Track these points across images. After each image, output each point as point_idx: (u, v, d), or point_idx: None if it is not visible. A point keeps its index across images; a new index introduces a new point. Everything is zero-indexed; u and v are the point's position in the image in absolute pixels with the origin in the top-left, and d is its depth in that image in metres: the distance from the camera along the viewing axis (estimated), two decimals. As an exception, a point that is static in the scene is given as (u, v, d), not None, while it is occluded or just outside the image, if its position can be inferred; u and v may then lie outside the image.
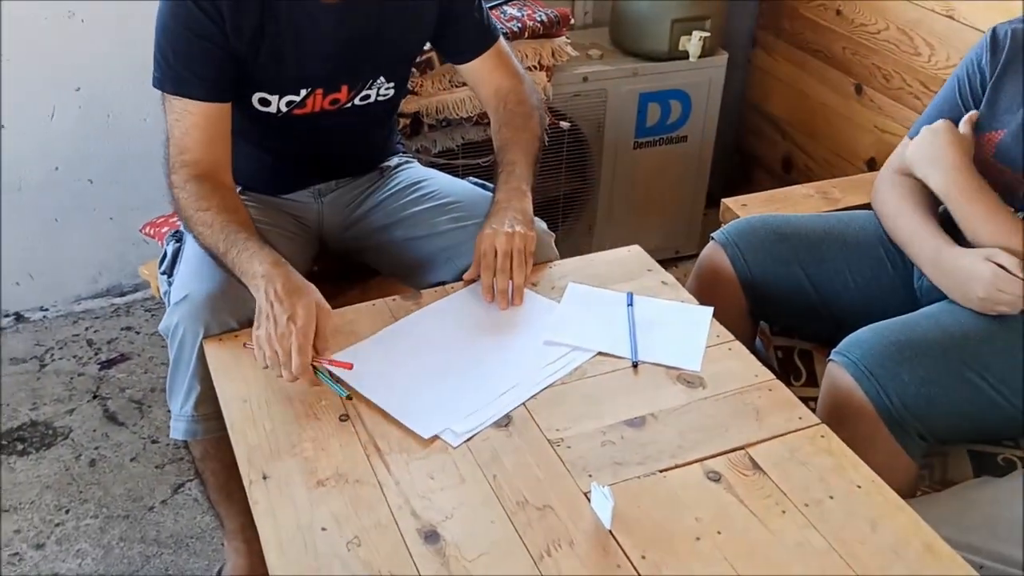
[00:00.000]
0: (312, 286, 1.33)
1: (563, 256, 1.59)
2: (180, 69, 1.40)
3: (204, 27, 1.38)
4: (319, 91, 1.53)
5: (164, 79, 1.42)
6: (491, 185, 1.70)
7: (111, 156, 2.30)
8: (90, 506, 1.86)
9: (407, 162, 1.79)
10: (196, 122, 1.42)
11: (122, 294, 2.47)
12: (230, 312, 1.37)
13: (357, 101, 1.58)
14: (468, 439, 1.19)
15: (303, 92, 1.52)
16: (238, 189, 1.61)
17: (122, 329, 2.37)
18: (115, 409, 2.11)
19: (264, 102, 1.51)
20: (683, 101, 2.46)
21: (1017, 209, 1.44)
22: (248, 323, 1.39)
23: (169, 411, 1.44)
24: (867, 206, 1.73)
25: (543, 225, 1.59)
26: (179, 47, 1.40)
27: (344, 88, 1.55)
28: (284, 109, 1.53)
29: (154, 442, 2.02)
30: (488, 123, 2.16)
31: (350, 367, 1.16)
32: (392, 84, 1.61)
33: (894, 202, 1.55)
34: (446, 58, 1.77)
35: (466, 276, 1.47)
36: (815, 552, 1.04)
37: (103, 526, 1.82)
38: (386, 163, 1.76)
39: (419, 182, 1.69)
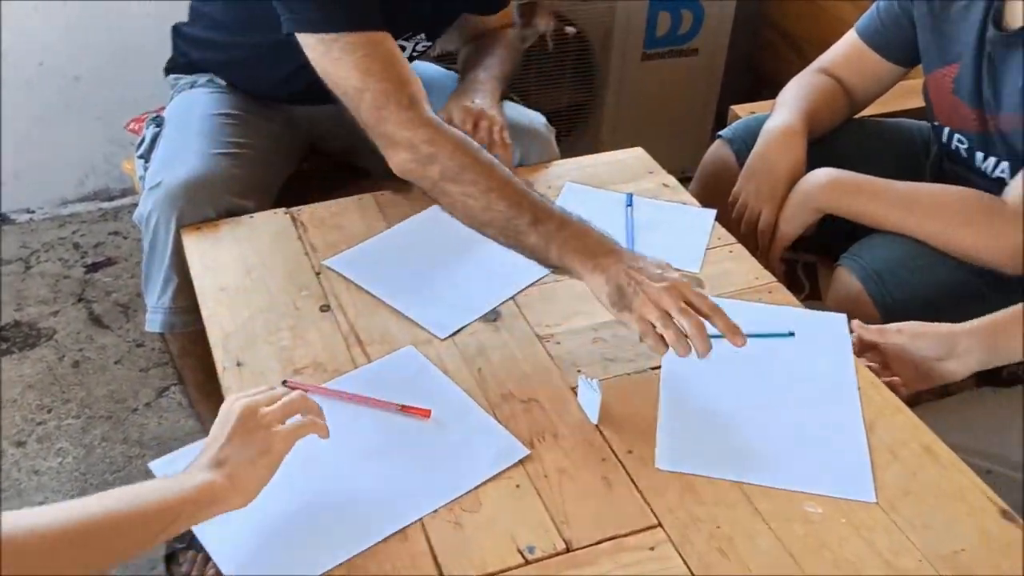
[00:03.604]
0: None
1: (564, 170, 1.52)
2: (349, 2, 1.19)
3: None
4: None
5: (330, 18, 1.18)
6: None
7: (99, 51, 2.22)
8: (72, 406, 1.83)
9: None
10: (392, 49, 1.21)
11: (110, 198, 2.41)
12: (208, 200, 1.31)
13: None
14: (455, 332, 1.14)
15: None
16: (224, 84, 1.53)
17: (109, 234, 2.31)
18: (100, 312, 2.06)
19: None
20: (695, 11, 2.36)
21: (967, 148, 1.39)
22: (227, 212, 1.33)
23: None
24: (890, 115, 1.66)
25: (542, 119, 1.52)
26: None
27: None
28: None
29: (139, 346, 1.98)
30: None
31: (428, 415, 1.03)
32: (430, 43, 1.52)
33: (784, 93, 1.51)
34: (473, 11, 1.57)
35: None
36: (811, 452, 1.00)
37: (85, 426, 1.79)
38: None
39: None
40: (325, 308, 1.17)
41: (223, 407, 0.92)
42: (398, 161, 1.18)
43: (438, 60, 1.94)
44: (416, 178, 1.19)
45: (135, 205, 2.35)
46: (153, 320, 1.37)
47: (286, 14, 1.22)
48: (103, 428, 1.79)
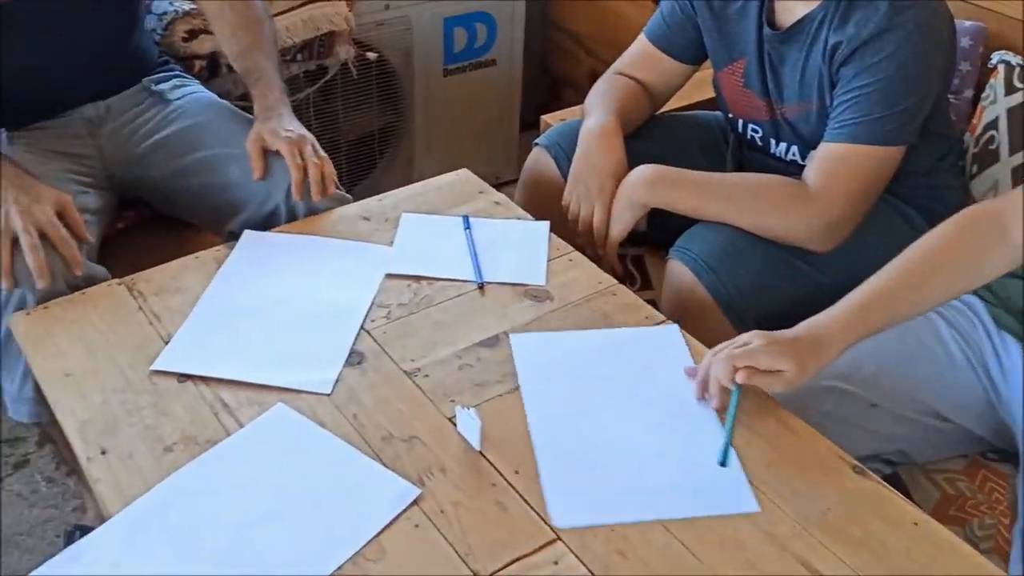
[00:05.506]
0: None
1: (385, 192, 1.52)
2: None
3: None
4: None
5: None
6: None
7: None
8: None
9: (183, 83, 1.66)
10: None
11: None
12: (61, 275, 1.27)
13: None
14: (336, 383, 1.14)
15: None
16: (2, 132, 1.47)
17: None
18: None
19: None
20: (488, 24, 2.43)
21: (761, 137, 1.52)
22: (75, 289, 1.28)
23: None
24: (686, 108, 1.78)
25: (340, 192, 1.51)
26: None
27: None
28: None
29: (-40, 441, 1.84)
30: (292, 59, 2.08)
31: None
32: None
33: (591, 98, 1.59)
34: None
35: (256, 178, 1.43)
36: (680, 440, 1.07)
37: (-85, 539, 1.65)
38: (157, 83, 1.62)
39: (208, 118, 1.58)
40: (183, 378, 1.14)
41: None
42: None
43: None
44: None
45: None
46: (17, 410, 1.32)
47: None
48: (-64, 537, 1.65)
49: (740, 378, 1.04)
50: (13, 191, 1.26)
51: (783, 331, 1.09)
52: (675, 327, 1.23)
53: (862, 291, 1.10)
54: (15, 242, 1.24)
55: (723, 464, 1.02)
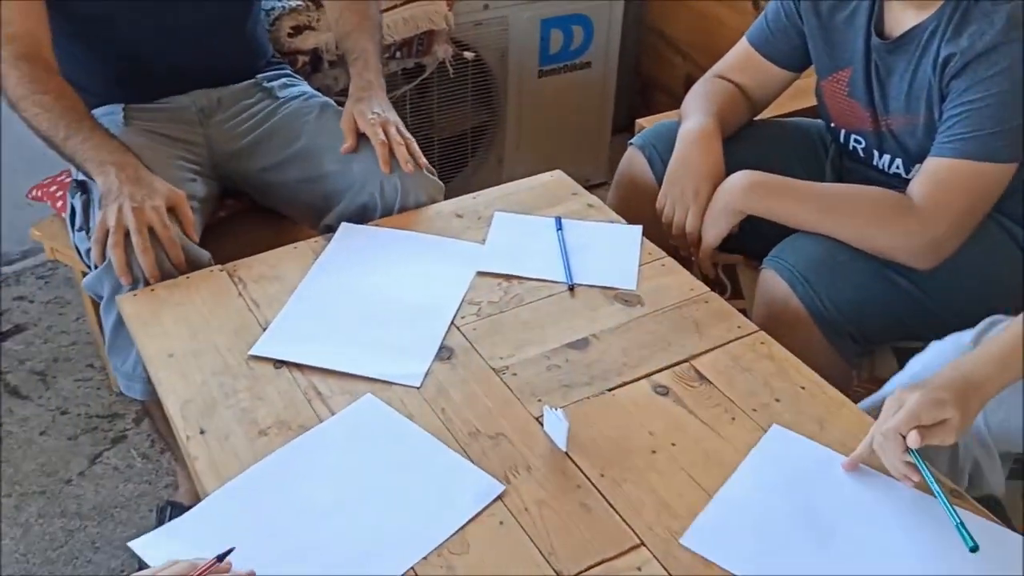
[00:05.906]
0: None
1: (475, 190, 1.54)
2: None
3: None
4: None
5: None
6: None
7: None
8: (1, 485, 1.76)
9: (292, 82, 1.70)
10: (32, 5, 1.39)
11: (10, 262, 2.31)
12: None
13: None
14: (425, 377, 1.16)
15: None
16: (120, 109, 1.54)
17: (14, 299, 2.22)
18: (16, 383, 1.98)
19: None
20: (585, 26, 2.43)
21: (864, 148, 1.48)
22: (192, 266, 1.33)
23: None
24: (784, 116, 1.75)
25: (433, 178, 1.53)
26: None
27: None
28: None
29: (63, 413, 1.92)
30: (391, 57, 2.12)
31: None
32: None
33: (689, 100, 1.57)
34: None
35: (345, 149, 1.49)
36: (769, 454, 1.05)
37: (18, 504, 1.72)
38: (269, 80, 1.67)
39: (308, 113, 1.61)
40: (279, 364, 1.17)
41: None
42: None
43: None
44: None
45: (38, 266, 2.30)
46: (131, 388, 1.38)
47: None
48: (38, 504, 1.72)
49: (912, 443, 0.95)
50: (129, 186, 1.30)
51: (928, 379, 1.02)
52: (781, 429, 1.09)
53: (1014, 329, 1.06)
54: (127, 235, 1.28)
55: (974, 549, 0.91)
